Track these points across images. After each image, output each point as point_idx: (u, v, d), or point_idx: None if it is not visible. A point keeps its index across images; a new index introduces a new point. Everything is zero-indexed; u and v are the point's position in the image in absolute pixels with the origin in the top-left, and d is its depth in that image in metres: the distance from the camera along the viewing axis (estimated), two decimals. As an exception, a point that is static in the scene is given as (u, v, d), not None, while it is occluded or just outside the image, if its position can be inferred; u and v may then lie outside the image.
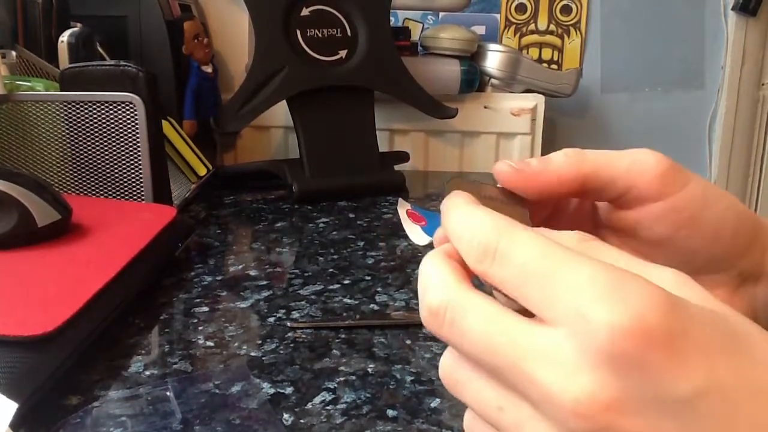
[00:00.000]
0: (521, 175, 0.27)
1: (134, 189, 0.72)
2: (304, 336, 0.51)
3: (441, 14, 1.52)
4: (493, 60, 1.18)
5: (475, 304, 0.21)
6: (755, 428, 0.18)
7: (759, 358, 0.19)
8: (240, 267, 0.66)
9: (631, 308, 0.18)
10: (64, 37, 0.82)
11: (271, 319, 0.54)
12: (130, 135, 0.71)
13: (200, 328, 0.52)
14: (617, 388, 0.19)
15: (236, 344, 0.50)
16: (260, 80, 0.92)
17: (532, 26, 1.55)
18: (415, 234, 0.75)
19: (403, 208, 0.80)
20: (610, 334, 0.18)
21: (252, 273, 0.64)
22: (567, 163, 0.27)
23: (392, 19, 1.13)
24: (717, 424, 0.18)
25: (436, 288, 0.22)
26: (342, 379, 0.45)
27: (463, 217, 0.23)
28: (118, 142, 0.71)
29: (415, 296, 0.59)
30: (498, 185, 0.28)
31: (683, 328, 0.18)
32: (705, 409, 0.18)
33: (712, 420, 0.19)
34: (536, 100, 1.18)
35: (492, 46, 1.19)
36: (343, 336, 0.51)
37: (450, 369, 0.23)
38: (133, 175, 0.71)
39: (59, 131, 0.72)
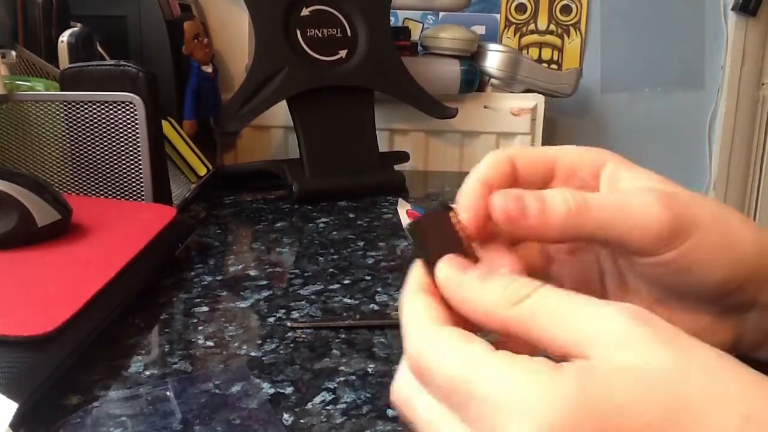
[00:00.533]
0: (519, 226, 0.25)
1: (134, 189, 0.72)
2: (304, 336, 0.51)
3: (441, 14, 1.52)
4: (493, 60, 1.18)
5: (440, 347, 0.22)
6: None
7: None
8: (240, 267, 0.66)
9: (542, 425, 0.19)
10: (64, 37, 0.82)
11: (271, 319, 0.54)
12: (130, 135, 0.71)
13: (200, 328, 0.52)
14: None
15: (236, 344, 0.50)
16: (260, 80, 0.92)
17: (532, 26, 1.55)
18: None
19: (403, 208, 0.80)
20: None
21: (252, 273, 0.64)
22: (569, 220, 0.25)
23: (392, 19, 1.13)
24: None
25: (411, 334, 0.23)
26: (342, 379, 0.45)
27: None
28: (118, 142, 0.71)
29: (415, 296, 0.59)
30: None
31: (599, 426, 0.19)
32: None
33: None
34: (536, 100, 1.18)
35: (492, 46, 1.19)
36: (343, 336, 0.51)
37: (403, 389, 0.24)
38: (133, 175, 0.71)
39: (59, 131, 0.72)
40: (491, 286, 0.23)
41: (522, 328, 0.22)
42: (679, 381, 0.20)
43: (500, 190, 0.25)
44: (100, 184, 0.72)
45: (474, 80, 1.13)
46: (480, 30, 1.51)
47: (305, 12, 0.95)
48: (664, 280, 0.27)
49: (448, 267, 0.25)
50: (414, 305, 0.24)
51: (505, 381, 0.20)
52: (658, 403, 0.19)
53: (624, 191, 0.27)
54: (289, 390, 0.44)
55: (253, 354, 0.48)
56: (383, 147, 1.06)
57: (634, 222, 0.25)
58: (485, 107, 1.15)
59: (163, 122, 0.82)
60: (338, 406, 0.42)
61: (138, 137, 0.70)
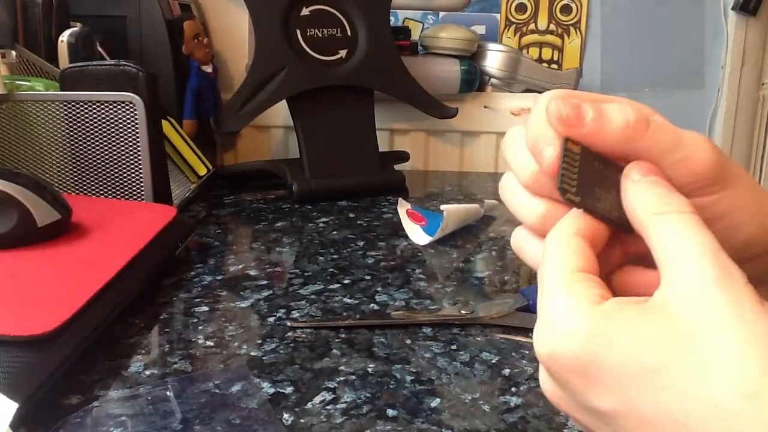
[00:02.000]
0: (574, 132, 0.26)
1: (134, 189, 0.72)
2: (304, 336, 0.51)
3: (441, 14, 1.52)
4: (493, 60, 1.17)
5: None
6: None
7: (690, 396, 0.21)
8: (240, 267, 0.66)
9: (550, 344, 0.24)
10: (64, 37, 0.82)
11: (271, 319, 0.54)
12: (130, 135, 0.71)
13: (200, 327, 0.52)
14: (554, 389, 0.26)
15: (236, 344, 0.50)
16: (260, 80, 0.92)
17: (532, 26, 1.55)
18: (415, 234, 0.75)
19: (403, 208, 0.80)
20: (540, 358, 0.25)
21: (252, 273, 0.64)
22: (625, 132, 0.26)
23: (392, 18, 1.13)
24: None
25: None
26: (342, 378, 0.45)
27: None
28: (118, 142, 0.71)
29: (415, 296, 0.59)
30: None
31: (596, 361, 0.23)
32: (626, 425, 0.23)
33: None
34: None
35: (492, 45, 1.19)
36: (343, 336, 0.51)
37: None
38: (133, 175, 0.71)
39: (59, 131, 0.72)
40: (653, 193, 0.25)
41: (646, 234, 0.25)
42: (696, 344, 0.21)
43: (556, 96, 0.27)
44: (100, 184, 0.72)
45: (474, 80, 1.13)
46: (480, 30, 1.51)
47: (305, 12, 0.95)
48: None
49: (636, 167, 0.26)
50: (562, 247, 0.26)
51: (556, 297, 0.24)
52: (645, 361, 0.22)
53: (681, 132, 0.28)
54: (289, 390, 0.44)
55: (253, 354, 0.48)
56: (383, 147, 1.06)
57: (686, 153, 0.26)
58: (485, 107, 1.15)
59: (163, 122, 0.82)
60: (338, 406, 0.42)
61: (138, 137, 0.70)
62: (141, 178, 0.71)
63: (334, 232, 0.77)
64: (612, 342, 0.22)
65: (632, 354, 0.22)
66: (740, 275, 0.22)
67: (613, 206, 0.27)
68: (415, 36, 1.28)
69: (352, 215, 0.85)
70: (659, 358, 0.21)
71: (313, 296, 0.59)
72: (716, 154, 0.27)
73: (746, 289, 0.22)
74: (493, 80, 1.19)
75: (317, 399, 0.43)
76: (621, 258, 0.28)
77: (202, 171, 0.92)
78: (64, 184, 0.72)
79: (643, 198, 0.25)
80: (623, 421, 0.23)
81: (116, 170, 0.71)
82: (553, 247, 0.26)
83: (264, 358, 0.48)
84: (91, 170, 0.72)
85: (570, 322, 0.23)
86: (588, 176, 0.26)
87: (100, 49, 0.89)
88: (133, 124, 0.70)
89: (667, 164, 0.26)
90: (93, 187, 0.72)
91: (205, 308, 0.56)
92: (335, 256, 0.69)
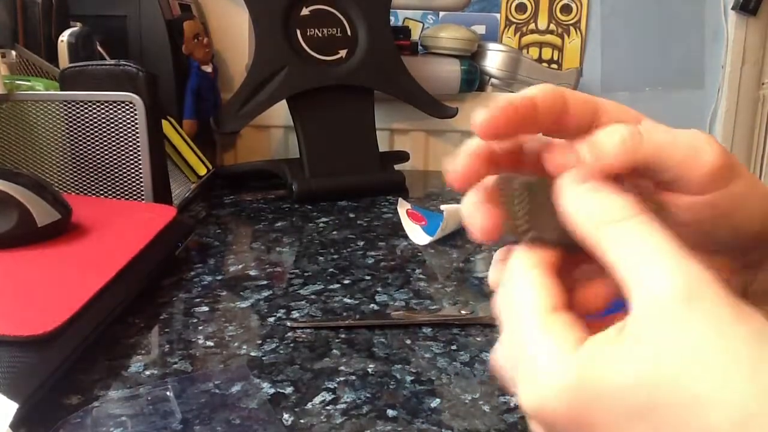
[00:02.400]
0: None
1: (134, 189, 0.72)
2: (304, 336, 0.51)
3: (441, 14, 1.52)
4: (494, 59, 1.18)
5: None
6: None
7: (690, 428, 0.20)
8: (240, 267, 0.66)
9: (535, 400, 0.23)
10: (64, 36, 0.82)
11: (271, 319, 0.54)
12: (130, 135, 0.71)
13: (200, 328, 0.52)
14: None
15: (236, 344, 0.50)
16: (260, 80, 0.92)
17: (532, 26, 1.55)
18: (415, 234, 0.75)
19: (403, 208, 0.80)
20: (527, 413, 0.23)
21: (252, 273, 0.64)
22: (624, 153, 0.25)
23: (392, 18, 1.13)
24: None
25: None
26: (342, 379, 0.45)
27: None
28: (118, 141, 0.71)
29: (415, 296, 0.59)
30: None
31: (586, 413, 0.22)
32: None
33: None
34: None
35: (492, 45, 1.19)
36: (343, 336, 0.51)
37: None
38: (133, 175, 0.71)
39: (59, 131, 0.72)
40: (594, 203, 0.24)
41: (598, 249, 0.23)
42: (680, 375, 0.20)
43: (552, 148, 0.26)
44: (100, 184, 0.72)
45: (474, 80, 1.13)
46: (480, 30, 1.51)
47: (305, 12, 0.95)
48: (704, 226, 0.27)
49: (570, 175, 0.25)
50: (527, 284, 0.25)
51: (534, 347, 0.23)
52: (635, 402, 0.21)
53: (676, 131, 0.27)
54: (289, 390, 0.44)
55: (253, 354, 0.48)
56: (383, 147, 1.06)
57: (687, 152, 0.25)
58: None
59: (163, 122, 0.82)
60: (338, 406, 0.42)
61: (138, 137, 0.71)
62: (141, 178, 0.71)
63: (334, 232, 0.77)
64: (599, 391, 0.21)
65: (621, 400, 0.21)
66: (710, 279, 0.21)
67: (560, 228, 0.26)
68: (415, 36, 1.28)
69: (352, 215, 0.85)
70: (648, 398, 0.21)
71: (313, 296, 0.59)
72: (719, 150, 0.26)
73: (718, 293, 0.21)
74: (493, 80, 1.19)
75: (317, 399, 0.43)
76: (575, 272, 0.28)
77: (202, 171, 0.93)
78: (64, 184, 0.72)
79: (585, 210, 0.24)
80: None
81: (116, 170, 0.71)
82: (519, 285, 0.25)
83: (264, 358, 0.48)
84: (91, 170, 0.72)
85: (554, 376, 0.22)
86: (530, 205, 0.26)
87: (100, 49, 0.89)
88: (133, 124, 0.70)
89: (672, 165, 0.25)
90: (93, 187, 0.72)
91: (205, 308, 0.56)
92: (335, 256, 0.69)
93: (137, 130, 0.70)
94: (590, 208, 0.24)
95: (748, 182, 0.26)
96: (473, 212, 0.26)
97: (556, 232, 0.25)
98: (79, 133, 0.71)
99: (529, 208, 0.26)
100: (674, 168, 0.26)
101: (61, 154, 0.72)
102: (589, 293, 0.27)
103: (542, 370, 0.23)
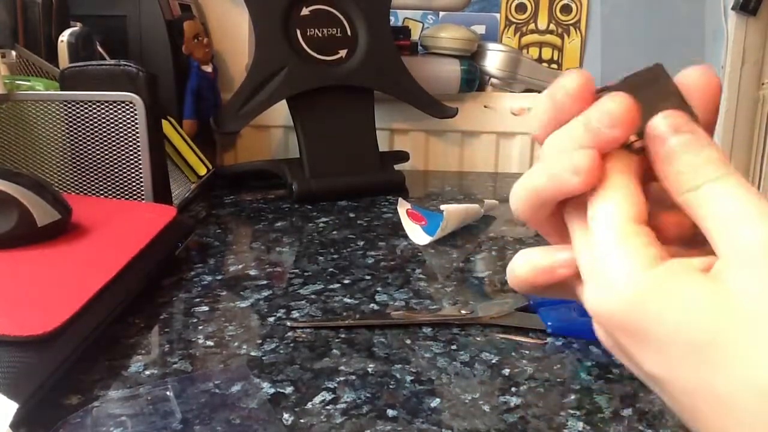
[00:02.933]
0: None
1: (134, 189, 0.72)
2: (304, 336, 0.51)
3: (441, 14, 1.52)
4: (494, 59, 1.17)
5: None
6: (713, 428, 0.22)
7: (732, 374, 0.21)
8: (240, 266, 0.66)
9: (600, 301, 0.24)
10: (64, 36, 0.82)
11: (271, 319, 0.54)
12: (130, 135, 0.71)
13: (200, 327, 0.52)
14: (606, 339, 0.26)
15: (236, 344, 0.50)
16: (260, 80, 0.92)
17: (532, 26, 1.55)
18: (415, 233, 0.75)
19: (403, 208, 0.80)
20: (590, 312, 0.25)
21: (252, 273, 0.64)
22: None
23: (392, 18, 1.12)
24: (682, 407, 0.23)
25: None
26: (342, 378, 0.45)
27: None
28: (118, 141, 0.71)
29: (415, 296, 0.59)
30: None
31: (644, 327, 0.23)
32: (669, 391, 0.23)
33: (677, 403, 0.23)
34: (536, 100, 1.17)
35: (492, 45, 1.19)
36: (343, 336, 0.51)
37: None
38: (133, 175, 0.71)
39: (59, 131, 0.72)
40: (685, 159, 0.24)
41: (693, 213, 0.24)
42: (735, 326, 0.21)
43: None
44: (100, 184, 0.72)
45: (474, 80, 1.13)
46: (480, 30, 1.51)
47: (305, 12, 0.95)
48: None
49: (663, 121, 0.25)
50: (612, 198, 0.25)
51: (610, 252, 0.24)
52: (694, 337, 0.21)
53: None
54: (289, 390, 0.44)
55: (253, 354, 0.48)
56: (383, 147, 1.06)
57: None
58: (485, 107, 1.15)
59: (163, 122, 0.82)
60: (338, 406, 0.42)
61: (138, 137, 0.71)
62: (141, 178, 0.71)
63: (334, 232, 0.77)
64: (662, 312, 0.22)
65: (681, 328, 0.22)
66: None
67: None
68: (415, 36, 1.28)
69: (352, 215, 0.85)
70: (709, 334, 0.21)
71: (313, 296, 0.59)
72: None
73: None
74: (493, 80, 1.19)
75: (317, 399, 0.43)
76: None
77: (202, 171, 0.93)
78: (64, 184, 0.72)
79: (677, 167, 0.24)
80: (667, 387, 0.23)
81: (116, 170, 0.71)
82: (603, 194, 0.25)
83: (264, 358, 0.48)
84: (91, 170, 0.72)
85: (622, 283, 0.23)
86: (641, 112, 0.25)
87: (100, 49, 0.89)
88: (133, 124, 0.70)
89: None
90: (93, 187, 0.72)
91: (205, 308, 0.56)
92: (335, 256, 0.69)
93: (137, 130, 0.70)
94: (687, 166, 0.24)
95: None
96: (614, 104, 0.25)
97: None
98: (79, 133, 0.71)
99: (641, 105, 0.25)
100: None
101: (61, 154, 0.72)
102: (671, 220, 0.27)
103: (615, 278, 0.23)
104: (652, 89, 0.26)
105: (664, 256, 0.23)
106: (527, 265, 0.28)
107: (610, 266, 0.24)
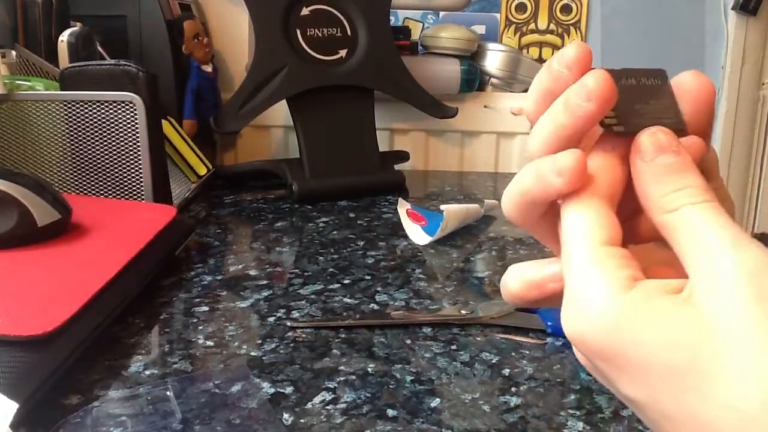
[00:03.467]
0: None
1: (134, 189, 0.72)
2: (304, 336, 0.51)
3: (441, 14, 1.52)
4: (494, 59, 1.17)
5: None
6: None
7: (713, 398, 0.21)
8: (240, 267, 0.66)
9: (577, 326, 0.24)
10: (64, 36, 0.82)
11: (271, 319, 0.54)
12: (130, 135, 0.71)
13: (200, 327, 0.52)
14: (587, 363, 0.25)
15: (236, 344, 0.50)
16: (260, 80, 0.92)
17: (532, 26, 1.55)
18: (415, 233, 0.75)
19: (403, 208, 0.80)
20: (568, 337, 0.24)
21: (252, 273, 0.64)
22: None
23: (392, 18, 1.12)
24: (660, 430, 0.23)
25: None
26: (342, 378, 0.45)
27: None
28: (118, 141, 0.71)
29: (415, 296, 0.59)
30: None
31: (622, 353, 0.22)
32: (650, 416, 0.23)
33: (659, 427, 0.23)
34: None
35: (492, 45, 1.19)
36: (343, 336, 0.51)
37: None
38: (133, 175, 0.71)
39: (59, 131, 0.72)
40: (666, 181, 0.24)
41: (668, 235, 0.24)
42: (711, 349, 0.21)
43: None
44: (100, 184, 0.72)
45: (474, 80, 1.13)
46: (480, 30, 1.51)
47: (305, 11, 0.95)
48: None
49: (648, 139, 0.25)
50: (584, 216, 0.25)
51: (585, 276, 0.24)
52: (671, 360, 0.21)
53: None
54: (289, 390, 0.44)
55: (253, 354, 0.48)
56: (383, 147, 1.06)
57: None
58: (485, 107, 1.15)
59: (163, 122, 0.82)
60: (338, 406, 0.42)
61: (138, 137, 0.70)
62: (141, 178, 0.71)
63: (334, 232, 0.77)
64: (639, 338, 0.22)
65: (659, 352, 0.22)
66: None
67: (661, 115, 0.25)
68: (415, 36, 1.28)
69: (352, 215, 0.85)
70: (687, 358, 0.21)
71: (313, 296, 0.59)
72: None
73: None
74: (493, 80, 1.19)
75: (317, 399, 0.43)
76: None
77: (202, 171, 0.93)
78: (64, 184, 0.72)
79: (658, 188, 0.24)
80: (648, 411, 0.23)
81: (116, 170, 0.71)
82: (575, 215, 0.25)
83: (264, 358, 0.48)
84: (91, 170, 0.72)
85: (598, 309, 0.23)
86: (623, 97, 0.25)
87: (100, 49, 0.89)
88: (133, 124, 0.70)
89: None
90: (93, 187, 0.72)
91: (205, 308, 0.56)
92: (335, 256, 0.69)
93: (137, 130, 0.70)
94: (665, 188, 0.24)
95: (723, 185, 0.28)
96: (593, 80, 0.25)
97: (651, 121, 0.25)
98: (79, 133, 0.71)
99: (622, 100, 0.25)
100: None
101: (61, 154, 0.72)
102: (644, 227, 0.27)
103: (589, 301, 0.23)
104: (648, 85, 0.26)
105: (637, 276, 0.23)
106: (518, 280, 0.28)
107: (584, 290, 0.23)
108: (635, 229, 0.27)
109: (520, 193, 0.26)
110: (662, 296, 0.22)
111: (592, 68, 0.26)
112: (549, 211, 0.27)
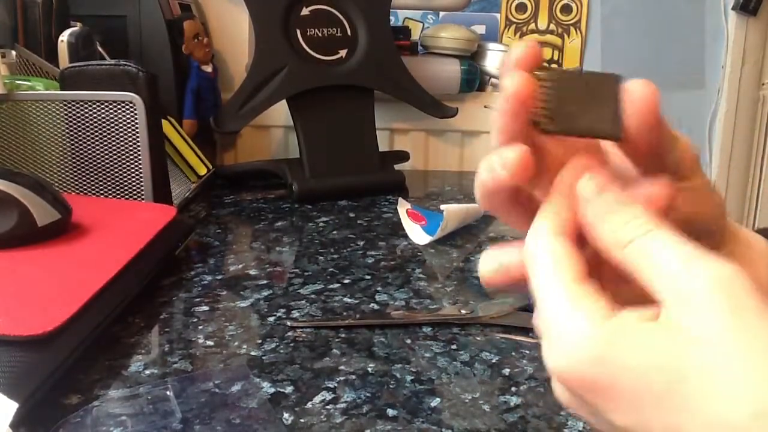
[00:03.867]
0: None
1: (134, 189, 0.72)
2: (304, 335, 0.51)
3: (441, 14, 1.52)
4: (494, 59, 1.17)
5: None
6: None
7: (702, 415, 0.21)
8: (240, 266, 0.66)
9: (561, 363, 0.24)
10: (64, 36, 0.82)
11: (271, 319, 0.54)
12: (130, 134, 0.71)
13: (200, 327, 0.52)
14: (570, 400, 0.25)
15: (236, 343, 0.50)
16: (260, 80, 0.92)
17: (532, 26, 1.55)
18: (415, 233, 0.75)
19: (403, 208, 0.80)
20: (552, 375, 0.25)
21: (252, 272, 0.64)
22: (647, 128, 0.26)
23: (392, 18, 1.13)
24: None
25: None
26: (342, 378, 0.45)
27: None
28: (118, 141, 0.71)
29: (415, 295, 0.59)
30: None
31: (609, 383, 0.23)
32: None
33: None
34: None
35: (492, 45, 1.19)
36: (343, 335, 0.51)
37: None
38: (133, 175, 0.71)
39: (59, 131, 0.72)
40: (614, 220, 0.25)
41: (629, 269, 0.24)
42: (695, 366, 0.21)
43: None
44: (100, 183, 0.72)
45: (474, 80, 1.13)
46: (480, 30, 1.51)
47: (305, 12, 0.95)
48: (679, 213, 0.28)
49: (587, 183, 0.26)
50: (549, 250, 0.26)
51: (561, 314, 0.24)
52: (658, 383, 0.21)
53: None
54: (289, 389, 0.44)
55: (253, 353, 0.48)
56: (383, 147, 1.06)
57: (680, 138, 0.28)
58: (485, 107, 1.15)
59: (163, 122, 0.82)
60: (338, 406, 0.42)
61: (138, 137, 0.70)
62: (141, 178, 0.71)
63: (334, 232, 0.77)
64: (624, 365, 0.22)
65: (644, 377, 0.22)
66: (735, 276, 0.22)
67: (598, 119, 0.25)
68: (415, 36, 1.28)
69: (352, 215, 0.85)
70: (673, 380, 0.21)
71: (313, 296, 0.59)
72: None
73: (745, 289, 0.22)
74: (493, 80, 1.19)
75: (317, 399, 0.43)
76: None
77: (202, 171, 0.92)
78: (64, 184, 0.72)
79: (606, 227, 0.25)
80: None
81: (116, 170, 0.71)
82: (542, 256, 0.26)
83: (264, 357, 0.48)
84: (91, 170, 0.72)
85: (582, 341, 0.23)
86: (562, 98, 0.25)
87: (100, 49, 0.89)
88: (133, 124, 0.70)
89: (676, 150, 0.27)
90: (93, 187, 0.72)
91: (205, 308, 0.56)
92: (335, 256, 0.69)
93: (137, 130, 0.70)
94: (614, 225, 0.25)
95: (706, 180, 0.29)
96: (508, 81, 0.26)
97: (593, 122, 0.25)
98: (79, 133, 0.71)
99: (557, 96, 0.26)
100: (677, 152, 0.27)
101: (61, 154, 0.72)
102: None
103: (571, 337, 0.23)
104: (595, 89, 0.26)
105: (612, 306, 0.24)
106: (487, 265, 0.29)
107: (564, 326, 0.24)
108: (602, 276, 0.28)
109: (480, 185, 0.28)
110: (641, 323, 0.23)
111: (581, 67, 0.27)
112: (516, 200, 0.28)
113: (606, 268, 0.26)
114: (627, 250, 0.24)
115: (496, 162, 0.27)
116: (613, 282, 0.26)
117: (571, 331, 0.23)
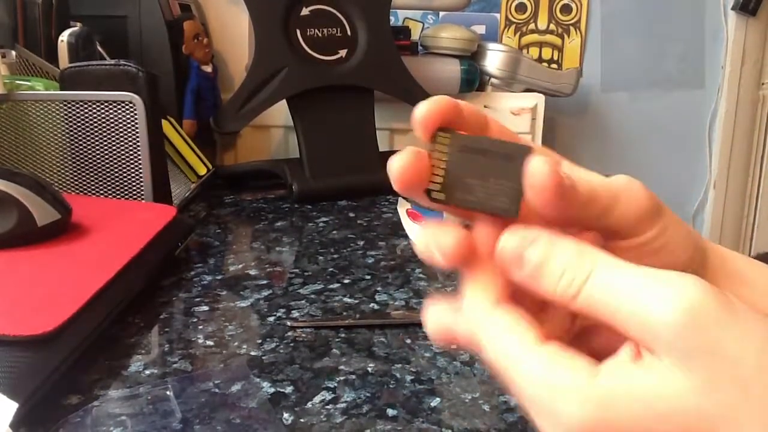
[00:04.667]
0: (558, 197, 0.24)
1: (134, 189, 0.72)
2: (304, 335, 0.51)
3: (441, 14, 1.52)
4: (493, 59, 1.18)
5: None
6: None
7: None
8: (240, 266, 0.66)
9: (563, 428, 0.22)
10: (64, 36, 0.82)
11: (271, 319, 0.54)
12: (130, 135, 0.71)
13: (200, 327, 0.52)
14: None
15: (236, 343, 0.50)
16: (260, 80, 0.92)
17: (532, 26, 1.55)
18: (415, 233, 0.75)
19: (403, 208, 0.80)
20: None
21: (252, 272, 0.64)
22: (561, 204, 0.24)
23: (392, 18, 1.13)
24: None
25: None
26: (342, 378, 0.45)
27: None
28: (118, 141, 0.71)
29: (415, 295, 0.59)
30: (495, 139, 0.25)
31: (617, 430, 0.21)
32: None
33: None
34: (536, 100, 1.17)
35: (492, 45, 1.19)
36: (343, 335, 0.51)
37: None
38: (133, 175, 0.71)
39: (59, 131, 0.72)
40: (546, 276, 0.23)
41: (592, 315, 0.23)
42: (704, 408, 0.20)
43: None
44: (100, 183, 0.72)
45: (474, 80, 1.13)
46: (480, 30, 1.51)
47: (305, 12, 0.95)
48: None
49: (512, 238, 0.24)
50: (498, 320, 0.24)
51: (544, 380, 0.22)
52: (668, 424, 0.20)
53: (599, 176, 0.26)
54: (289, 389, 0.44)
55: (253, 353, 0.48)
56: (383, 147, 1.06)
57: (626, 194, 0.25)
58: (485, 107, 1.15)
59: (163, 122, 0.82)
60: (338, 406, 0.42)
61: (138, 137, 0.70)
62: (141, 178, 0.71)
63: (334, 232, 0.77)
64: (624, 422, 0.21)
65: (655, 425, 0.21)
66: (703, 293, 0.21)
67: (496, 194, 0.24)
68: (415, 36, 1.28)
69: (352, 215, 0.85)
70: (682, 424, 0.21)
71: (313, 296, 0.59)
72: (647, 190, 0.25)
73: (718, 310, 0.21)
74: (493, 80, 1.19)
75: (317, 398, 0.43)
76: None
77: (202, 171, 0.93)
78: (64, 184, 0.72)
79: (548, 286, 0.23)
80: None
81: (116, 170, 0.71)
82: (489, 331, 0.24)
83: (264, 357, 0.48)
84: (91, 170, 0.72)
85: (579, 401, 0.21)
86: (461, 167, 0.24)
87: (100, 49, 0.89)
88: (133, 124, 0.70)
89: (611, 205, 0.25)
90: (93, 187, 0.72)
91: (205, 308, 0.56)
92: (335, 256, 0.69)
93: (137, 130, 0.70)
94: (550, 281, 0.23)
95: (672, 219, 0.26)
96: (401, 156, 0.25)
97: (488, 196, 0.24)
98: (79, 133, 0.71)
99: (456, 164, 0.24)
100: (611, 209, 0.25)
101: (61, 154, 0.72)
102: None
103: (566, 398, 0.22)
104: (499, 163, 0.24)
105: (590, 360, 0.22)
106: (432, 324, 0.27)
107: (553, 392, 0.22)
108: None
109: (421, 249, 0.26)
110: (628, 371, 0.22)
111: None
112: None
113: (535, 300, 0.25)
114: (579, 301, 0.23)
115: (432, 245, 0.25)
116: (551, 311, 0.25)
117: (564, 392, 0.22)
